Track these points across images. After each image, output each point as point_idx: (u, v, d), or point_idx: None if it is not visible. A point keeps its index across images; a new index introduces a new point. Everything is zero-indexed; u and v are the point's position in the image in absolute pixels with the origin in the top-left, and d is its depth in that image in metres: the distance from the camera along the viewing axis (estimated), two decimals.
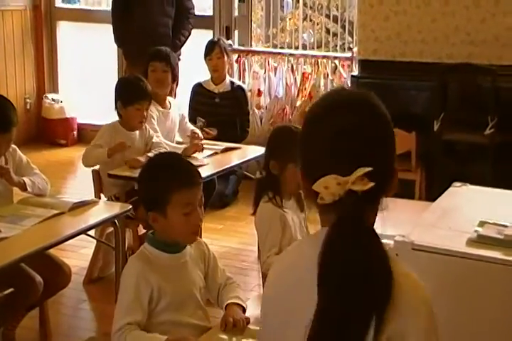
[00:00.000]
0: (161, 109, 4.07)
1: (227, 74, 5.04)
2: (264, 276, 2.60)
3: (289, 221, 2.65)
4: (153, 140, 3.79)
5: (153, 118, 3.97)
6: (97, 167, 3.77)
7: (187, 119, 4.30)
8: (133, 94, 3.65)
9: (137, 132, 3.73)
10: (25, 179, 2.96)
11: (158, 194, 1.97)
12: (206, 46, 4.98)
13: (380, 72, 4.73)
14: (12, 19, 6.20)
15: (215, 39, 5.11)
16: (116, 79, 4.19)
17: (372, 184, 1.17)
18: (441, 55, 4.65)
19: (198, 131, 4.19)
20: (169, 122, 4.10)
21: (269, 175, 2.66)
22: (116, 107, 3.70)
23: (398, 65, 4.73)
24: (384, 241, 2.47)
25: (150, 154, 3.69)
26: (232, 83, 5.04)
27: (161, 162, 2.10)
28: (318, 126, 1.23)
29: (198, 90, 4.85)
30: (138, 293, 1.94)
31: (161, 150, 3.72)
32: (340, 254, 1.16)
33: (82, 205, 2.97)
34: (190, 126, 4.27)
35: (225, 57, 4.95)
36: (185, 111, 4.38)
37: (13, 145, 3.01)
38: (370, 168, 1.17)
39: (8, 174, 2.86)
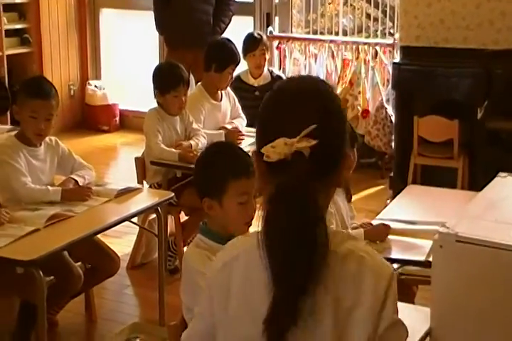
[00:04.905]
0: (212, 101, 4.07)
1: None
2: None
3: (339, 202, 2.67)
4: (193, 126, 3.83)
5: (203, 111, 3.98)
6: (140, 154, 3.82)
7: (238, 105, 4.25)
8: (168, 81, 3.69)
9: (178, 116, 3.78)
10: (75, 177, 3.02)
11: (215, 182, 1.99)
12: (248, 42, 4.85)
13: (422, 59, 4.67)
14: (57, 7, 6.27)
15: (257, 35, 4.95)
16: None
17: (314, 142, 1.19)
18: (486, 42, 4.57)
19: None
20: (220, 114, 4.09)
21: None
22: (154, 95, 3.75)
23: (441, 51, 4.67)
24: (427, 227, 2.52)
25: (192, 142, 3.73)
26: (271, 73, 5.02)
27: (220, 150, 2.12)
28: (275, 94, 1.30)
29: (238, 85, 4.74)
30: None
31: (199, 138, 3.76)
32: (275, 217, 1.20)
33: (126, 192, 3.02)
34: (241, 113, 4.25)
35: (267, 53, 4.92)
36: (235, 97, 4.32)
37: (54, 137, 3.06)
38: (314, 126, 1.20)
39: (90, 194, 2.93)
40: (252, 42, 4.89)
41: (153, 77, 3.80)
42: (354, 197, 2.84)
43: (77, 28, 6.49)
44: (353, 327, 1.22)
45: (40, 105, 2.86)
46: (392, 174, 4.91)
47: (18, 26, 6.08)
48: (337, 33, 5.76)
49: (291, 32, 5.86)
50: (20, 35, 6.12)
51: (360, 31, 5.86)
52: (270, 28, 5.73)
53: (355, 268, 1.24)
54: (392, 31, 5.80)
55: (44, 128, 2.88)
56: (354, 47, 5.41)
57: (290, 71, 5.60)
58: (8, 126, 4.44)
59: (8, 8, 5.94)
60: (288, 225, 1.19)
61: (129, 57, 6.74)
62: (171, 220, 3.73)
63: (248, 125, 4.21)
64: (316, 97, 1.27)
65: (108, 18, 6.67)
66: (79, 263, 2.95)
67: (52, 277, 2.75)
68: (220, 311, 1.30)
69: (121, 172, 5.20)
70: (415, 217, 2.80)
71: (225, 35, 5.22)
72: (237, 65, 4.18)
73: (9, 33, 5.98)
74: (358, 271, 1.23)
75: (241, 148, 2.19)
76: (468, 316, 1.86)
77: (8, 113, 5.64)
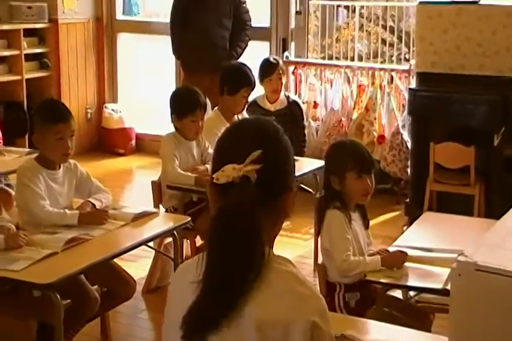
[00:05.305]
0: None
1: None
2: (343, 276, 2.63)
3: (356, 229, 2.67)
4: (209, 151, 3.85)
5: (219, 135, 4.00)
6: (156, 178, 3.84)
7: None
8: (186, 106, 3.72)
9: (194, 141, 3.80)
10: (92, 200, 3.05)
11: None
12: (264, 67, 4.89)
13: (438, 85, 4.68)
14: (75, 31, 6.37)
15: (273, 60, 4.99)
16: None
17: (259, 165, 1.33)
18: (502, 69, 4.58)
19: None
20: None
21: (332, 192, 2.68)
22: (171, 120, 3.78)
23: (457, 78, 4.68)
24: (444, 255, 2.51)
25: (208, 166, 3.75)
26: (287, 98, 5.04)
27: None
28: (228, 129, 1.50)
29: (255, 110, 4.75)
30: None
31: None
32: (215, 238, 1.31)
33: (143, 216, 3.03)
34: None
35: (283, 78, 4.95)
36: None
37: (73, 161, 3.10)
38: (259, 151, 1.34)
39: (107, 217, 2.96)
40: (268, 67, 4.92)
41: (170, 101, 3.83)
42: (370, 223, 2.84)
43: (95, 52, 6.58)
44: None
45: (64, 127, 2.93)
46: (408, 200, 4.89)
47: (38, 51, 6.18)
48: (352, 58, 5.80)
49: (307, 57, 5.90)
50: (40, 60, 6.22)
51: (375, 56, 5.90)
52: (286, 53, 5.78)
53: (298, 288, 1.34)
54: (407, 56, 5.84)
55: (70, 146, 2.95)
56: (370, 72, 5.43)
57: (306, 96, 5.63)
58: (27, 149, 4.49)
59: (28, 33, 6.04)
60: (224, 245, 1.30)
61: (145, 81, 6.81)
62: (186, 244, 3.74)
63: None
64: (261, 131, 1.43)
65: (125, 42, 6.76)
66: (95, 286, 2.95)
67: (69, 300, 2.75)
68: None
69: (137, 196, 5.22)
70: (432, 244, 2.79)
71: (241, 60, 5.27)
72: (252, 88, 4.19)
73: (29, 58, 6.07)
74: (302, 290, 1.34)
75: None
76: None
77: (27, 136, 5.72)
